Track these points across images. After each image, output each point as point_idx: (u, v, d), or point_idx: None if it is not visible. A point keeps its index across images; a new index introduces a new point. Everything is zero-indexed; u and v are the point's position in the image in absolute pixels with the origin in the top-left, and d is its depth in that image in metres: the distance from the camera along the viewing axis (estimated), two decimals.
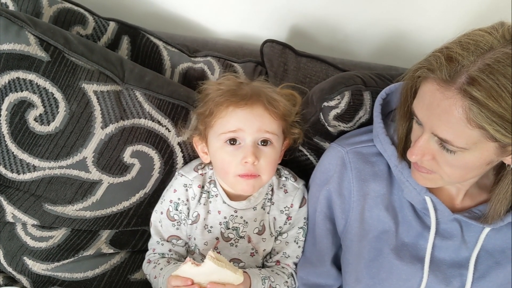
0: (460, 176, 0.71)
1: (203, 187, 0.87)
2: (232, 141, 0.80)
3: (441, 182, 0.73)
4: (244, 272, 0.77)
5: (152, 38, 1.02)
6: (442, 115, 0.63)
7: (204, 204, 0.86)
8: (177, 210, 0.87)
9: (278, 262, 0.88)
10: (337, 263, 0.87)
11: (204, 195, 0.87)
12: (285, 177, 0.89)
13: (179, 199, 0.87)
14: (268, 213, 0.87)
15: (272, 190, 0.88)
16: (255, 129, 0.78)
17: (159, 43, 1.02)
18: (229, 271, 0.72)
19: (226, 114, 0.79)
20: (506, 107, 0.59)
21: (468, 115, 0.60)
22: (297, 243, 0.88)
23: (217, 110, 0.80)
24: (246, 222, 0.86)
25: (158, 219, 0.89)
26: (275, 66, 1.02)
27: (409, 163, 0.78)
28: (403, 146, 0.78)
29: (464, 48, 0.61)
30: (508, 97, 0.58)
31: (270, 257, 0.89)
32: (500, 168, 0.76)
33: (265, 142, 0.80)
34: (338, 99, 0.86)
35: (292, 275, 0.88)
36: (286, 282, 0.86)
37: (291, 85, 0.92)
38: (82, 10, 0.99)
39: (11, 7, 0.93)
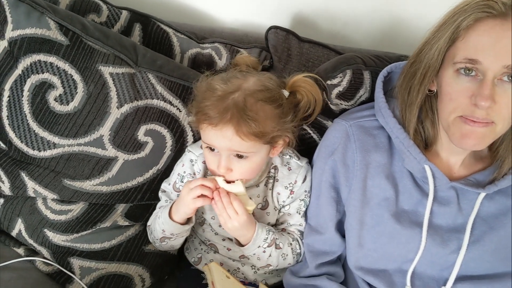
0: (510, 119, 0.74)
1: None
2: (211, 148, 0.83)
3: (492, 137, 0.76)
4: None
5: (162, 25, 1.08)
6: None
7: None
8: (182, 182, 0.93)
9: (283, 229, 0.94)
10: (340, 230, 0.92)
11: (209, 172, 0.91)
12: (289, 156, 0.94)
13: (185, 172, 0.92)
14: (270, 189, 0.92)
15: (275, 168, 0.92)
16: (225, 148, 0.80)
17: (169, 30, 1.08)
18: (250, 200, 0.82)
19: (202, 128, 0.82)
20: None
21: None
22: (299, 213, 0.93)
23: (197, 120, 0.83)
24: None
25: (168, 188, 0.95)
26: (279, 51, 1.07)
27: (410, 135, 0.83)
28: (415, 119, 0.82)
29: None
30: None
31: (275, 227, 0.94)
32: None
33: (240, 155, 0.81)
34: (340, 77, 0.92)
35: (297, 240, 0.93)
36: (291, 244, 0.91)
37: (307, 75, 0.90)
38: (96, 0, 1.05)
39: None
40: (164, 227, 0.86)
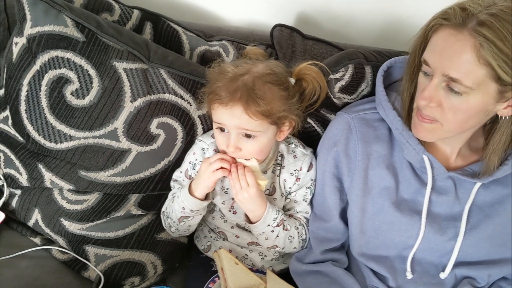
0: (460, 124, 0.78)
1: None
2: (221, 129, 0.88)
3: (440, 133, 0.81)
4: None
5: (172, 24, 1.12)
6: (454, 55, 0.73)
7: None
8: (194, 169, 0.97)
9: (290, 215, 0.98)
10: (344, 218, 0.96)
11: None
12: (294, 145, 0.99)
13: (196, 160, 0.97)
14: (278, 176, 0.97)
15: (281, 156, 0.97)
16: (234, 127, 0.85)
17: (179, 29, 1.12)
18: (262, 175, 0.88)
19: (213, 108, 0.87)
20: (509, 48, 0.69)
21: (479, 52, 0.70)
22: (305, 201, 0.98)
23: (209, 100, 0.88)
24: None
25: (179, 176, 0.99)
26: (284, 48, 1.11)
27: (409, 127, 0.87)
28: (407, 110, 0.87)
29: (473, 1, 0.73)
30: (511, 40, 0.69)
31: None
32: (490, 129, 0.86)
33: (248, 135, 0.86)
34: (342, 71, 0.96)
35: (303, 226, 0.98)
36: (297, 228, 0.96)
37: (313, 63, 0.94)
38: None
39: None
40: (184, 204, 0.91)
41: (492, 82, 0.72)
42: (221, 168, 0.87)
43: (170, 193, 1.00)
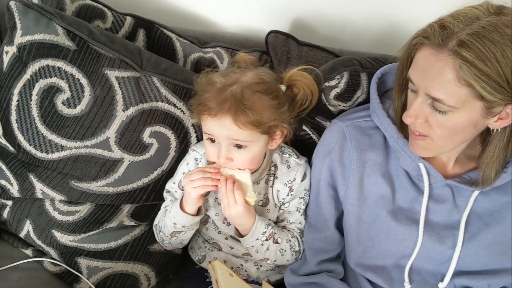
0: (450, 138, 0.77)
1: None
2: (211, 140, 0.87)
3: (434, 148, 0.80)
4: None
5: (165, 31, 1.11)
6: (435, 75, 0.71)
7: None
8: None
9: (284, 227, 0.97)
10: (339, 228, 0.95)
11: None
12: (288, 154, 0.97)
13: (189, 170, 0.95)
14: (271, 186, 0.95)
15: (275, 166, 0.96)
16: (224, 137, 0.84)
17: (172, 36, 1.11)
18: (253, 192, 0.86)
19: (203, 119, 0.86)
20: (491, 67, 0.67)
21: (459, 73, 0.69)
22: (299, 211, 0.96)
23: (198, 111, 0.87)
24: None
25: (172, 187, 0.98)
26: (279, 54, 1.10)
27: (404, 134, 0.86)
28: (399, 119, 0.86)
29: (455, 18, 0.71)
30: (493, 59, 0.67)
31: (276, 224, 0.96)
32: (486, 136, 0.84)
33: (239, 145, 0.85)
34: (337, 79, 0.95)
35: (296, 238, 0.96)
36: (289, 240, 0.94)
37: (303, 68, 0.93)
38: (101, 6, 1.08)
39: None
40: (176, 220, 0.89)
41: (476, 100, 0.71)
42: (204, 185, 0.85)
43: (163, 205, 0.99)
